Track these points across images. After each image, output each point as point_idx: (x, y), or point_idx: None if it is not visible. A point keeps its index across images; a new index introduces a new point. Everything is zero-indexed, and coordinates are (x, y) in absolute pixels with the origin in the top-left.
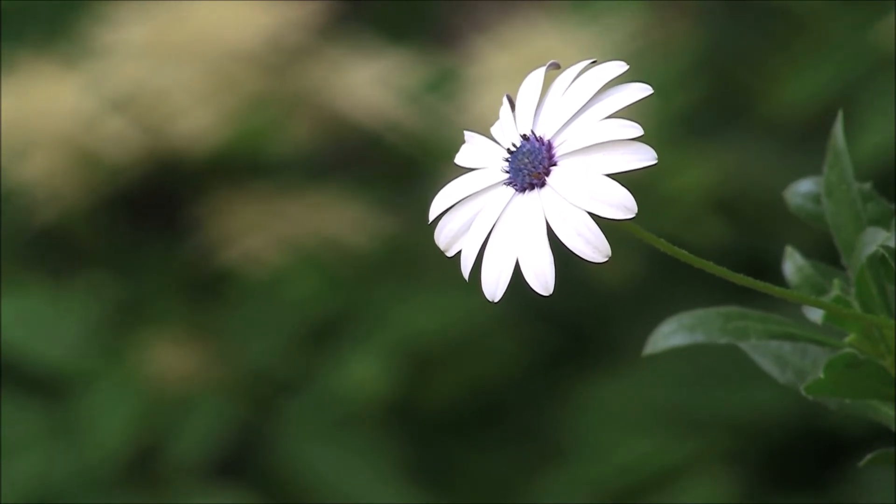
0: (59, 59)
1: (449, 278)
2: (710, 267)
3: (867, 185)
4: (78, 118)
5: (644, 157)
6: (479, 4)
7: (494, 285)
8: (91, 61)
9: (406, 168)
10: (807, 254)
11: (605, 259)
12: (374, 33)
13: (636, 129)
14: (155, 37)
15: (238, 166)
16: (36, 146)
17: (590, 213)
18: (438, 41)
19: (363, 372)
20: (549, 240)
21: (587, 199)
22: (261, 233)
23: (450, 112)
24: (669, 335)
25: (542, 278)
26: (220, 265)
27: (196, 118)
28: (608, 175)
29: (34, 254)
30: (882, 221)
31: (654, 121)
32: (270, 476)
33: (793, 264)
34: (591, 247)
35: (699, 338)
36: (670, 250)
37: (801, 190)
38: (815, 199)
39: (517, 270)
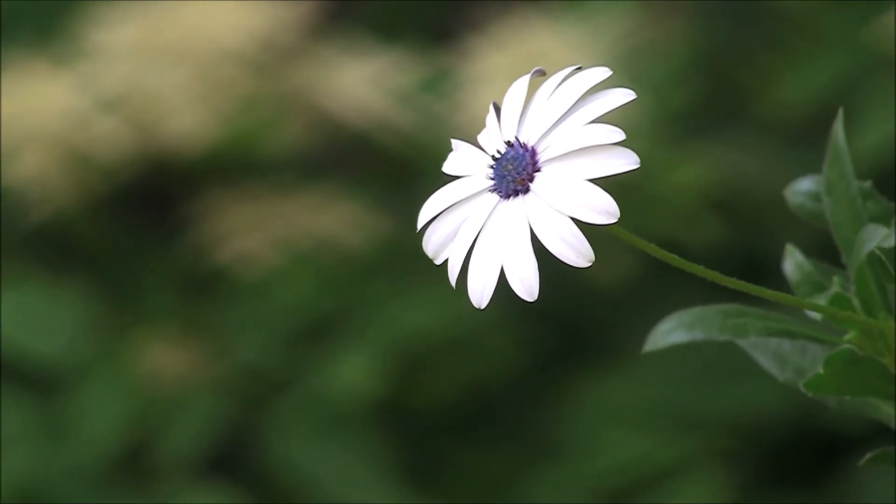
0: (52, 59)
1: (444, 277)
2: (701, 271)
3: (867, 184)
4: (70, 118)
5: (626, 161)
6: (473, 3)
7: (480, 293)
8: (83, 61)
9: (400, 167)
10: (807, 252)
11: (589, 264)
12: (367, 32)
13: (618, 134)
14: (146, 37)
15: (231, 166)
16: (28, 145)
17: (572, 219)
18: (432, 40)
19: (355, 371)
20: (535, 245)
21: (570, 204)
22: (254, 232)
23: (444, 111)
24: (669, 333)
25: (526, 284)
26: (214, 264)
27: (188, 118)
28: (591, 180)
29: (29, 251)
30: (882, 219)
31: (650, 119)
32: (261, 474)
33: (793, 262)
34: (575, 251)
35: (698, 335)
36: (659, 254)
37: (802, 188)
38: (816, 197)
39: (503, 277)
